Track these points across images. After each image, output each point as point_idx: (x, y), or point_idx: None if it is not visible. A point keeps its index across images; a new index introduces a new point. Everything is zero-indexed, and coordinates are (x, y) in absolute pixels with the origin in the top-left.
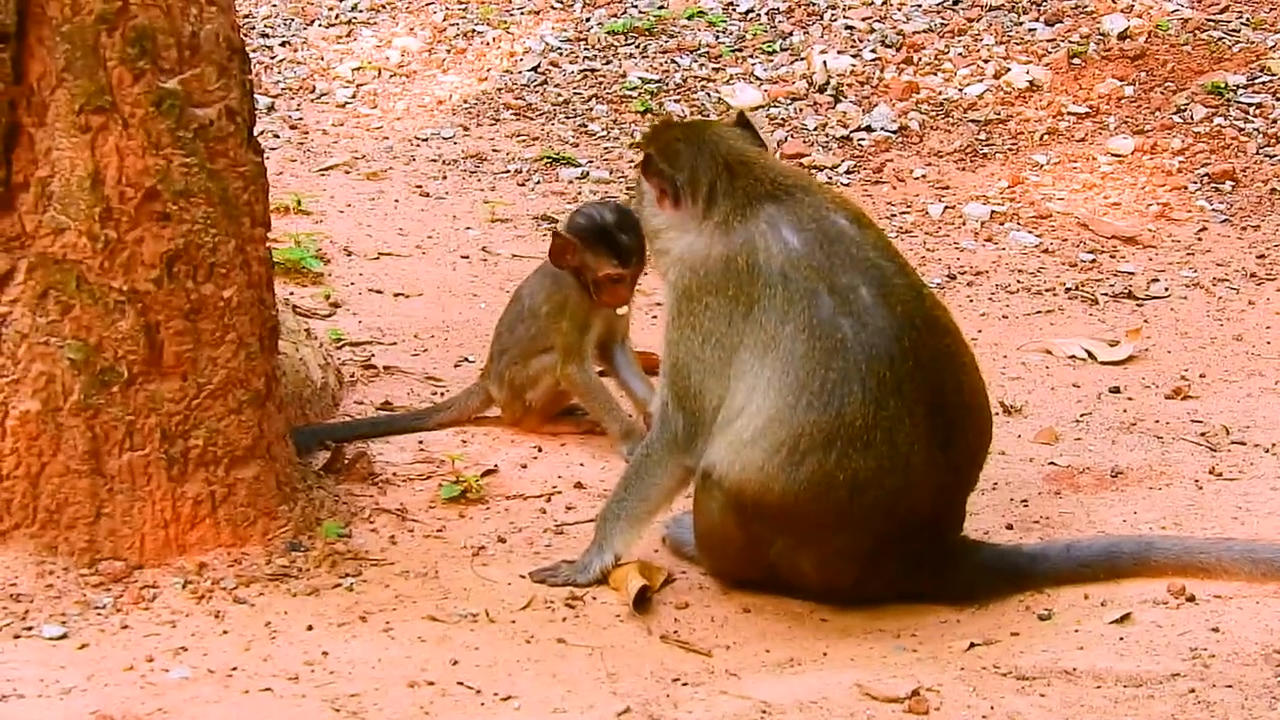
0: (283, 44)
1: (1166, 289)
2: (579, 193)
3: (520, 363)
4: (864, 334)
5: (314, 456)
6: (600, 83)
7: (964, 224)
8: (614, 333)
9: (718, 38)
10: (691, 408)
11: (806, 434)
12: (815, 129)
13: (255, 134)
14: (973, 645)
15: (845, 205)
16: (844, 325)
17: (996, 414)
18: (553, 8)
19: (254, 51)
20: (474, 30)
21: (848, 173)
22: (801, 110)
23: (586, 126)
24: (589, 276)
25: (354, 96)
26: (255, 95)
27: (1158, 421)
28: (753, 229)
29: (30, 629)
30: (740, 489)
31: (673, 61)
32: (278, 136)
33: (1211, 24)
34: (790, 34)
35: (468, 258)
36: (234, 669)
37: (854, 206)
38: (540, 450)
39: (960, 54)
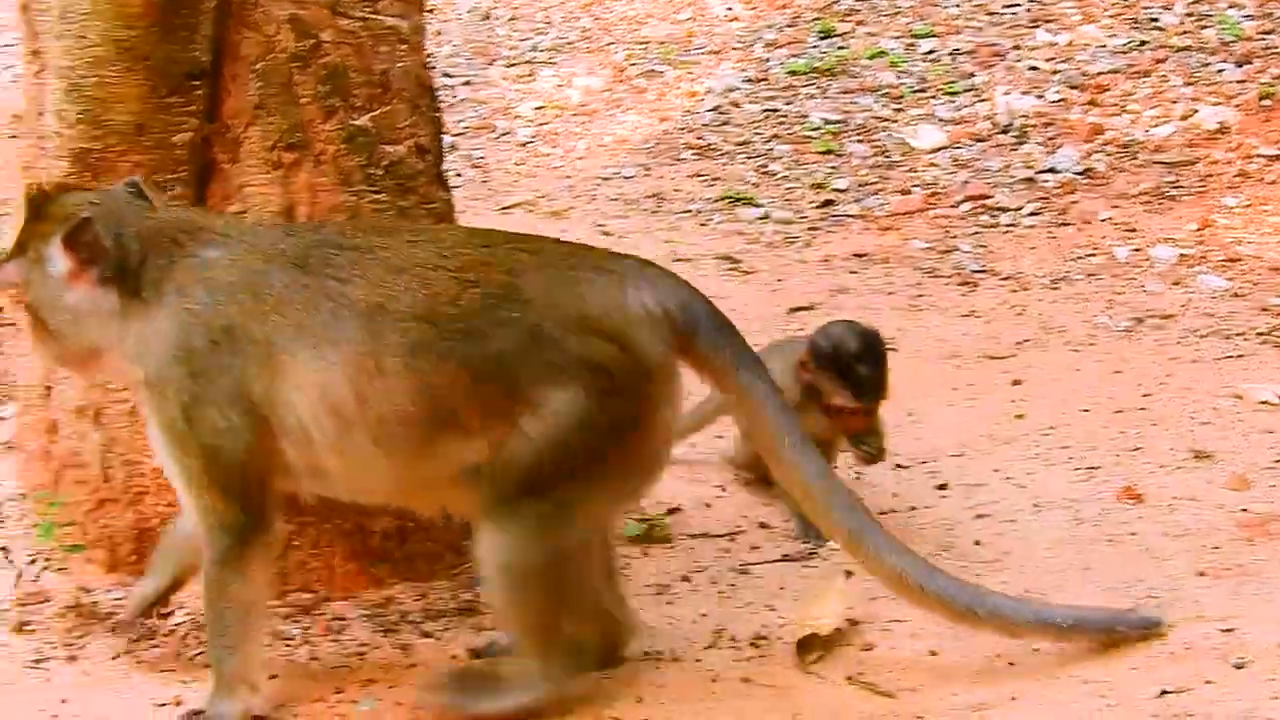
0: (465, 83)
1: None
2: (760, 233)
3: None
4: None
5: None
6: (781, 123)
7: (1151, 267)
8: (824, 451)
9: (900, 78)
10: (241, 485)
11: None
12: (999, 170)
13: (443, 171)
14: (1164, 692)
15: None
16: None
17: (1187, 459)
18: (733, 48)
19: (436, 90)
20: (654, 70)
21: (1032, 214)
22: (985, 151)
23: (767, 166)
24: (824, 398)
25: (535, 136)
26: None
27: None
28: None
29: None
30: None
31: (854, 102)
32: (460, 175)
33: None
34: (973, 75)
35: None
36: None
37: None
38: (724, 490)
39: (1147, 95)
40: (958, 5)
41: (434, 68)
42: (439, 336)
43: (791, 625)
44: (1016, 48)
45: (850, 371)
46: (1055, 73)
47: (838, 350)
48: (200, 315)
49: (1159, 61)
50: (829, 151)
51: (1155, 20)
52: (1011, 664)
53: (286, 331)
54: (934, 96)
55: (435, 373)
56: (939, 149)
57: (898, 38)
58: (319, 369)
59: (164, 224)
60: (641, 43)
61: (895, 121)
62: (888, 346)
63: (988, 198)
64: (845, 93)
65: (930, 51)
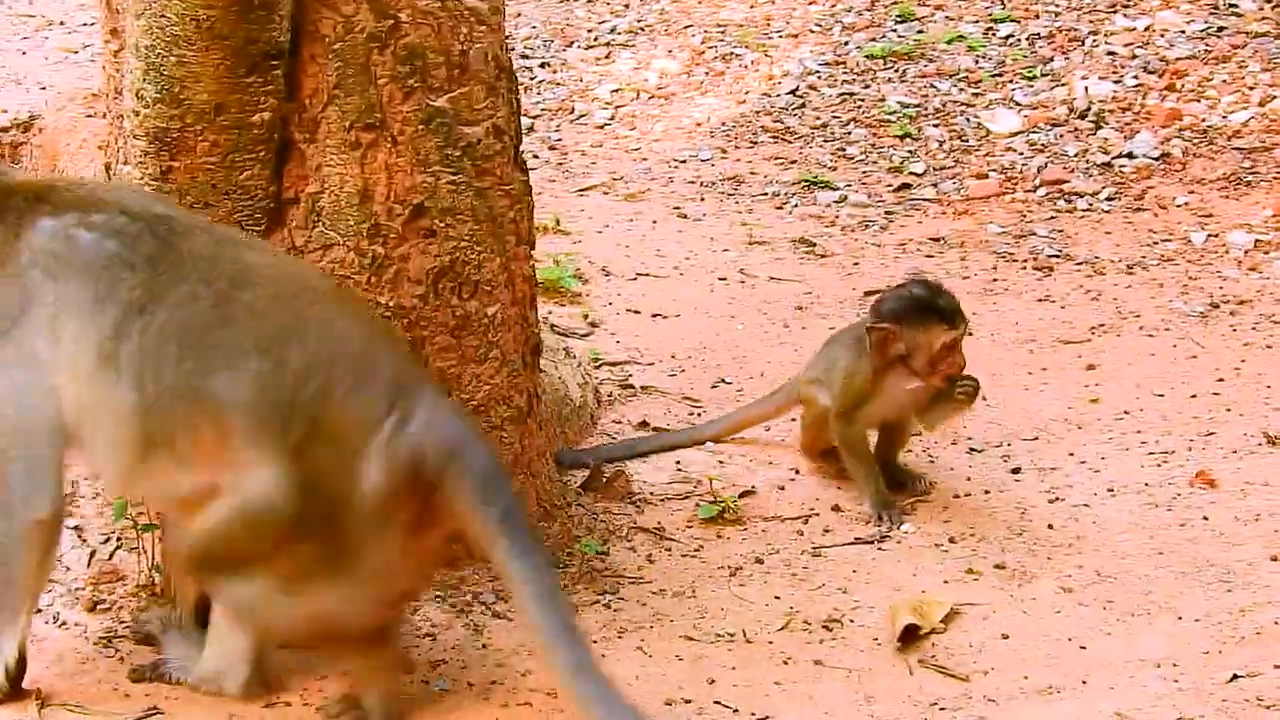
0: (542, 65)
1: None
2: (836, 216)
3: (807, 382)
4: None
5: (572, 474)
6: (859, 106)
7: (1227, 252)
8: (896, 433)
9: (977, 62)
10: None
11: None
12: (1076, 155)
13: (520, 153)
14: (1236, 677)
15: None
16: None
17: (1260, 445)
18: (811, 31)
19: (515, 72)
20: (732, 53)
21: (1109, 199)
22: (1062, 136)
23: (845, 150)
24: (920, 360)
25: (612, 118)
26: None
27: None
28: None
29: None
30: None
31: (932, 86)
32: (537, 157)
33: None
34: (1051, 59)
35: (725, 279)
36: (493, 683)
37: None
38: (797, 473)
39: (1224, 80)
40: None
41: (512, 49)
42: (177, 355)
43: (883, 609)
44: (1095, 33)
45: (935, 308)
46: (1133, 58)
47: (914, 299)
48: (11, 281)
49: (1237, 47)
50: (906, 135)
51: (1234, 6)
52: (1083, 648)
53: (66, 300)
54: (1011, 81)
55: (156, 387)
56: (1016, 133)
57: (976, 22)
58: (72, 342)
59: (18, 190)
60: (719, 26)
61: (973, 106)
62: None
63: (1064, 182)
64: (923, 76)
65: (1008, 36)
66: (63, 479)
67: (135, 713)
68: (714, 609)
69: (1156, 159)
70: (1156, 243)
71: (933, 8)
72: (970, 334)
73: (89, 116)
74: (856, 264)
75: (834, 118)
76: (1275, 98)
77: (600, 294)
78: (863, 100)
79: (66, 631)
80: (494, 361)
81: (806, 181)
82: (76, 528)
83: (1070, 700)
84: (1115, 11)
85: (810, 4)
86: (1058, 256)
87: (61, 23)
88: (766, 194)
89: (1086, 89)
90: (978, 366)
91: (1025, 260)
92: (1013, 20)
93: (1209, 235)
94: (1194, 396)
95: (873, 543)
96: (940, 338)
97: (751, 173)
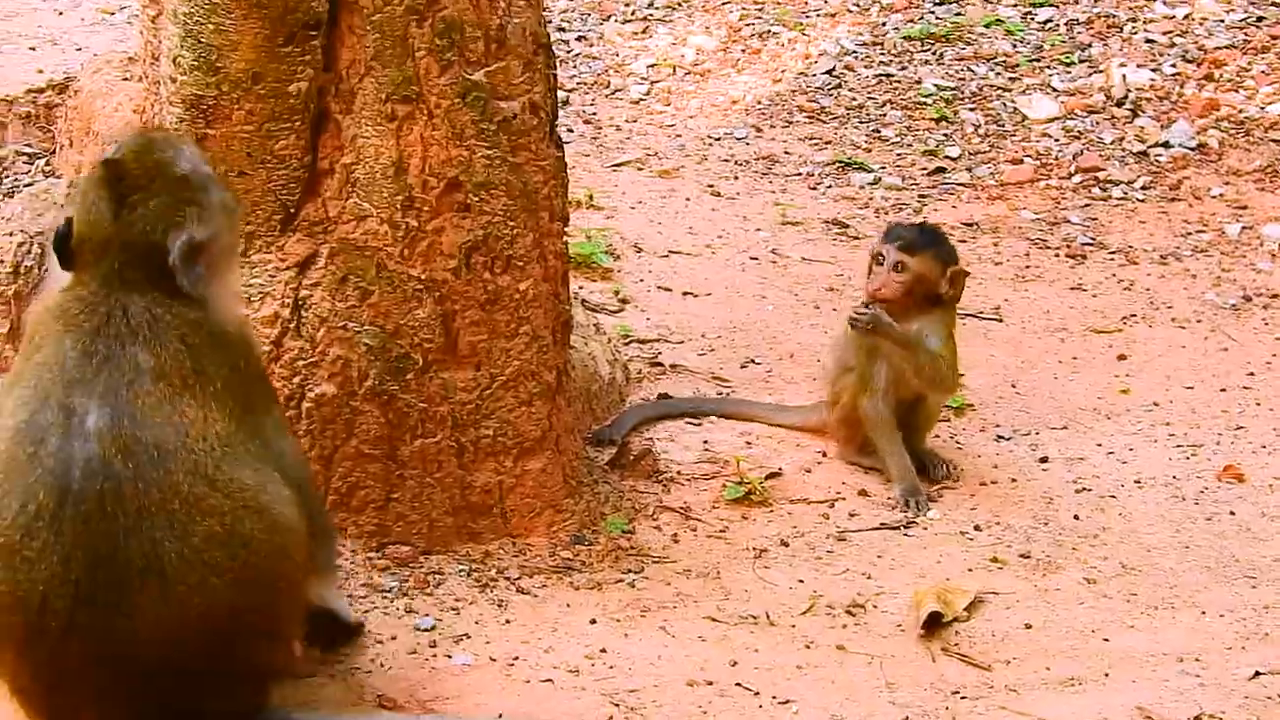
0: (579, 39)
1: None
2: (870, 198)
3: (831, 381)
4: (54, 458)
5: (599, 451)
6: (895, 88)
7: (1261, 245)
8: (920, 415)
9: (1015, 47)
10: None
11: None
12: (1112, 143)
13: (556, 128)
14: (1258, 674)
15: (176, 354)
16: (50, 441)
17: None
18: (849, 11)
19: (551, 47)
20: (769, 31)
21: (1143, 188)
22: (1099, 123)
23: (880, 132)
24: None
25: (648, 94)
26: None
27: None
28: (47, 324)
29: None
30: None
31: (969, 69)
32: (571, 131)
33: None
34: (1089, 46)
35: (757, 259)
36: (515, 658)
37: (190, 364)
38: (824, 455)
39: (1263, 71)
40: None
41: (549, 22)
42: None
43: (907, 595)
44: (1133, 20)
45: (891, 229)
46: (1171, 46)
47: (900, 224)
48: None
49: (1276, 38)
50: (942, 119)
51: None
52: (1106, 640)
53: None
54: (1049, 66)
55: None
56: (1052, 119)
57: (1014, 6)
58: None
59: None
60: (757, 3)
61: (1009, 90)
62: (989, 316)
63: (1099, 170)
64: (960, 60)
65: (1047, 21)
66: None
67: None
68: (738, 591)
69: (1193, 149)
70: (1190, 233)
71: None
72: (991, 318)
73: (125, 80)
74: None
75: (870, 99)
76: None
77: (631, 270)
78: (899, 82)
79: None
80: (524, 337)
81: (840, 163)
82: None
83: (1092, 692)
84: None
85: None
86: (1091, 244)
87: None
88: (800, 174)
89: (1124, 76)
90: (1008, 354)
91: (1058, 248)
92: (1051, 5)
93: (1243, 227)
94: (1224, 390)
95: (898, 528)
96: (879, 246)
97: (786, 152)
